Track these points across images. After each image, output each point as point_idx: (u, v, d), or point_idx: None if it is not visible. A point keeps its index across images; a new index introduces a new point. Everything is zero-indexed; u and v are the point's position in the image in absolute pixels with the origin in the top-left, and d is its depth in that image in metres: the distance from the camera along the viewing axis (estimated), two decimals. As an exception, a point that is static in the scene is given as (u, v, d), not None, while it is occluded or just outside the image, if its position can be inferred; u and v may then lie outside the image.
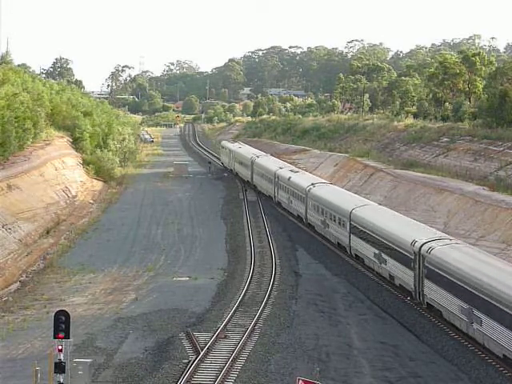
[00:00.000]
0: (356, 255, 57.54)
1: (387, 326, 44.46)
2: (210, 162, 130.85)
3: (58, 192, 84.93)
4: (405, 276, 47.51)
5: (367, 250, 54.50)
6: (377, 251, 52.17)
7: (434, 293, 43.70)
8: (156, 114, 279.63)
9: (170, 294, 51.40)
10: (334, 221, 61.81)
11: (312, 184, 70.95)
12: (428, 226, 53.11)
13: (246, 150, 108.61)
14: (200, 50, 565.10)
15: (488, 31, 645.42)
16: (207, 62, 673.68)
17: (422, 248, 44.98)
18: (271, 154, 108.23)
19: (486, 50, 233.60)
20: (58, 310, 31.61)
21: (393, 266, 49.63)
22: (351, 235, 57.95)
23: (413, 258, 46.00)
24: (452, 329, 42.06)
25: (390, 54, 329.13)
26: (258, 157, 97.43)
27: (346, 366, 37.71)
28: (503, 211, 60.77)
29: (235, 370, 35.71)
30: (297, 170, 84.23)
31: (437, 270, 42.90)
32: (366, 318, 46.15)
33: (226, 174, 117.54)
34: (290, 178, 77.56)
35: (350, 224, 57.76)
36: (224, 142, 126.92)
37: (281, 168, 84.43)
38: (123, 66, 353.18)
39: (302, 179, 75.42)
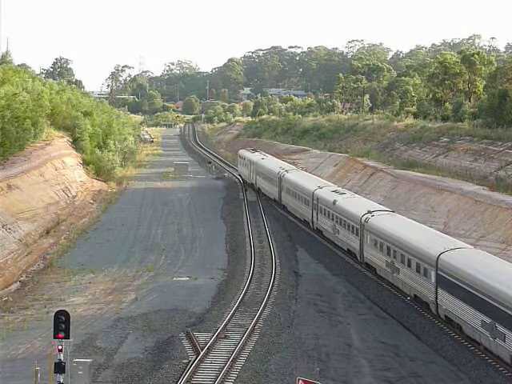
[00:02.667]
0: (447, 317, 42.31)
1: (387, 326, 44.45)
2: (210, 162, 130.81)
3: (58, 192, 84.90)
4: None
5: (470, 317, 39.20)
6: (488, 320, 37.19)
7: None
8: (156, 114, 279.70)
9: (170, 294, 51.39)
10: (409, 266, 46.42)
11: (369, 212, 55.61)
12: None
13: (271, 163, 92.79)
14: (200, 49, 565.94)
15: (488, 31, 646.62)
16: (207, 61, 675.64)
17: None
18: (303, 169, 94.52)
19: (486, 50, 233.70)
20: (57, 310, 31.58)
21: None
22: (439, 289, 42.63)
23: None
24: (451, 329, 42.05)
25: (390, 54, 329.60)
26: (287, 171, 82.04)
27: (346, 365, 37.70)
28: (503, 211, 60.76)
29: (235, 370, 35.70)
30: (342, 190, 67.90)
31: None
32: (365, 317, 46.14)
33: (225, 174, 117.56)
34: (335, 201, 62.57)
35: (438, 274, 42.64)
36: (242, 152, 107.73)
37: (320, 187, 69.15)
38: (123, 66, 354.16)
39: (354, 205, 60.14)
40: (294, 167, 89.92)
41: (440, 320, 43.29)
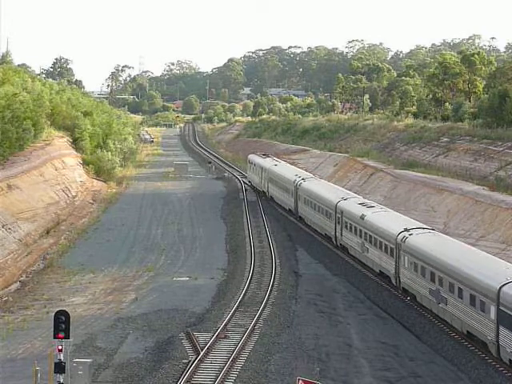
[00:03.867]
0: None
1: (387, 326, 44.45)
2: (210, 162, 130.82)
3: (58, 192, 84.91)
4: None
5: None
6: None
7: None
8: (156, 114, 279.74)
9: (170, 294, 51.40)
10: (460, 297, 39.88)
11: (406, 230, 48.40)
12: None
13: (285, 170, 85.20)
14: (200, 49, 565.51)
15: (488, 31, 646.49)
16: (207, 61, 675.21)
17: None
18: (319, 177, 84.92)
19: (486, 50, 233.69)
20: (57, 310, 31.59)
21: None
22: (501, 328, 36.08)
23: None
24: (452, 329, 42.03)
25: (390, 54, 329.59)
26: (304, 180, 74.60)
27: (346, 366, 37.71)
28: (503, 211, 60.76)
29: (235, 370, 35.70)
30: (370, 202, 60.93)
31: None
32: (365, 318, 46.14)
33: (225, 174, 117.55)
34: (363, 216, 55.52)
35: (499, 309, 36.09)
36: (252, 157, 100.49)
37: (344, 199, 61.88)
38: (123, 66, 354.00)
39: (387, 221, 53.01)
40: (311, 175, 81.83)
41: (503, 365, 36.50)
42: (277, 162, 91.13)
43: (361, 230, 55.48)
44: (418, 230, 48.30)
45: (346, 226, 58.96)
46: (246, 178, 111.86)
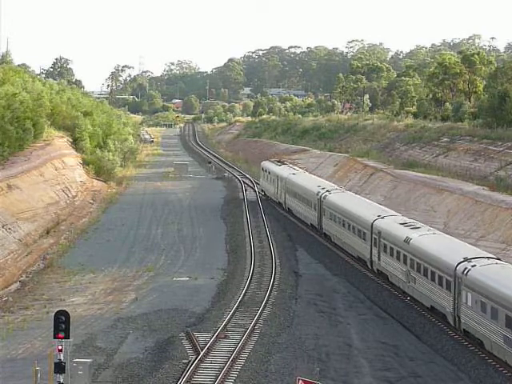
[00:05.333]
0: None
1: (387, 326, 44.45)
2: (210, 162, 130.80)
3: (58, 192, 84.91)
4: None
5: None
6: None
7: None
8: (156, 114, 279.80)
9: (170, 294, 51.40)
10: None
11: (467, 259, 40.64)
12: None
13: (306, 180, 77.01)
14: (200, 49, 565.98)
15: (488, 31, 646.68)
16: (207, 61, 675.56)
17: None
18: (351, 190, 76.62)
19: (486, 50, 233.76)
20: (57, 310, 31.61)
21: None
22: None
23: None
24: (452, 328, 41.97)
25: (390, 54, 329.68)
26: (329, 192, 66.65)
27: (346, 366, 37.71)
28: (503, 211, 60.76)
29: (235, 370, 35.70)
30: (413, 222, 52.17)
31: None
32: (365, 318, 46.14)
33: (225, 174, 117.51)
34: (408, 239, 47.23)
35: None
36: (266, 164, 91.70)
37: (381, 217, 53.65)
38: (123, 66, 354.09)
39: (440, 246, 44.84)
40: (336, 186, 73.30)
41: None
42: (295, 171, 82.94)
43: (405, 256, 47.25)
44: (481, 261, 40.39)
45: (386, 250, 50.77)
46: (244, 176, 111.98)
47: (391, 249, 49.65)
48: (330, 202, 64.33)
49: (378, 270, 52.96)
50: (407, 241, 47.21)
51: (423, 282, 44.68)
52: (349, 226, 58.56)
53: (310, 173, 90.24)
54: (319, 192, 67.61)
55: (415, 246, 46.15)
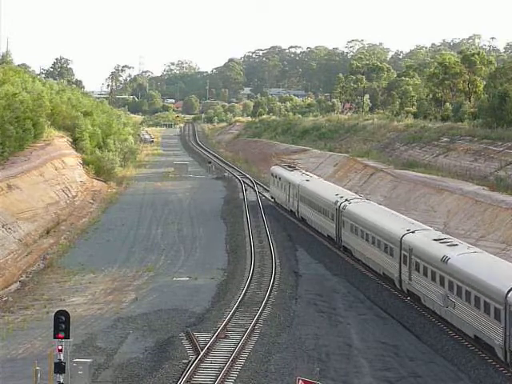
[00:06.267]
0: None
1: (387, 326, 44.46)
2: (210, 162, 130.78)
3: (58, 192, 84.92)
4: None
5: None
6: None
7: None
8: (156, 114, 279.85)
9: (170, 293, 51.40)
10: None
11: None
12: None
13: (320, 187, 72.14)
14: (200, 49, 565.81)
15: (488, 31, 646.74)
16: (207, 61, 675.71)
17: None
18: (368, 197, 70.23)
19: (486, 50, 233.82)
20: (57, 310, 31.61)
21: None
22: None
23: None
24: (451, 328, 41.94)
25: (390, 54, 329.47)
26: (348, 201, 61.18)
27: (346, 366, 37.72)
28: (503, 211, 60.76)
29: (235, 370, 35.70)
30: (450, 238, 46.95)
31: None
32: (365, 318, 46.14)
33: (226, 174, 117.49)
34: (446, 258, 42.21)
35: None
36: (277, 169, 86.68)
37: (411, 231, 48.82)
38: (123, 66, 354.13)
39: (485, 268, 40.04)
40: (356, 194, 68.54)
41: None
42: (308, 177, 77.54)
43: (442, 277, 42.30)
44: None
45: (418, 269, 45.66)
46: (244, 176, 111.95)
47: (425, 268, 44.52)
48: (350, 212, 59.12)
49: (408, 290, 47.94)
50: (445, 260, 42.13)
51: (465, 309, 39.78)
52: (373, 239, 53.42)
53: (311, 172, 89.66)
54: (337, 201, 62.33)
55: (454, 266, 41.17)
